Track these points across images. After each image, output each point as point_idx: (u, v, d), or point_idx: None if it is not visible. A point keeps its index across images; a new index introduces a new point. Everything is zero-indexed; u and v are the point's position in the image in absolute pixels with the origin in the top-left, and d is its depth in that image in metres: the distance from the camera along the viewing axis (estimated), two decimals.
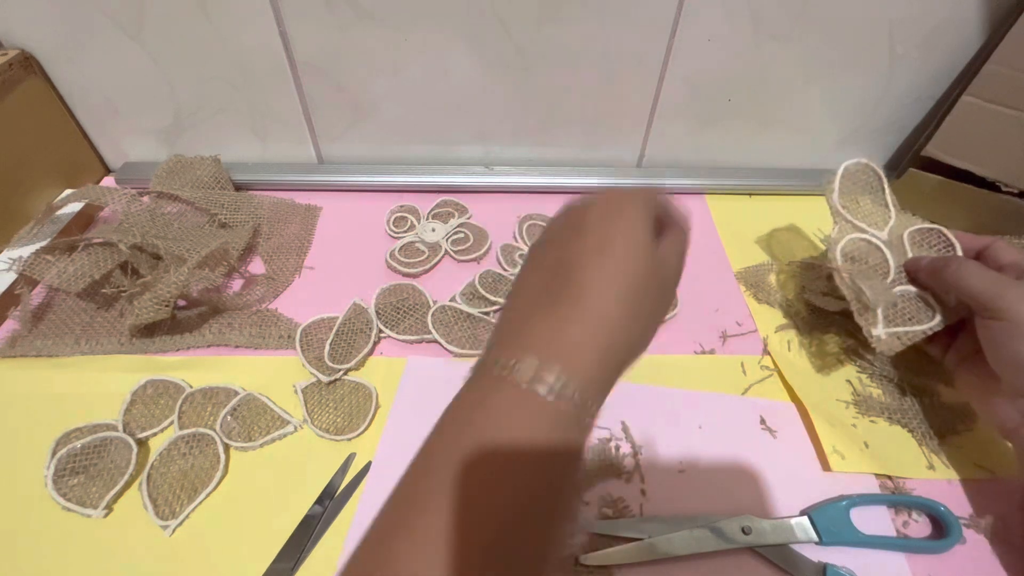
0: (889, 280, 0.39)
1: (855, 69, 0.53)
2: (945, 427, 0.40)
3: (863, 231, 0.42)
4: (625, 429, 0.40)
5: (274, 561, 0.33)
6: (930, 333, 0.37)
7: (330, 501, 0.36)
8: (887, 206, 0.43)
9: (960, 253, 0.39)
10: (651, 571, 0.33)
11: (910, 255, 0.40)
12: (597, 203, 0.26)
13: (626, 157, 0.62)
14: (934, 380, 0.43)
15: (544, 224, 0.55)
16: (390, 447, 0.38)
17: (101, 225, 0.53)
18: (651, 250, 0.25)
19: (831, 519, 0.34)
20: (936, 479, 0.37)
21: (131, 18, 0.48)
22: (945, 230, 0.41)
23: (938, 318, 0.37)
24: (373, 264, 0.51)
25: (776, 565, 0.33)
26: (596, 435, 0.39)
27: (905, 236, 0.41)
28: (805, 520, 0.34)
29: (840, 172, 0.43)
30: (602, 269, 0.23)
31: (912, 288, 0.39)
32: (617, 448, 0.39)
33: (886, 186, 0.43)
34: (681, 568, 0.33)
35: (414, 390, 0.41)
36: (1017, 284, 0.34)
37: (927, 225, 0.42)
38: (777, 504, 0.36)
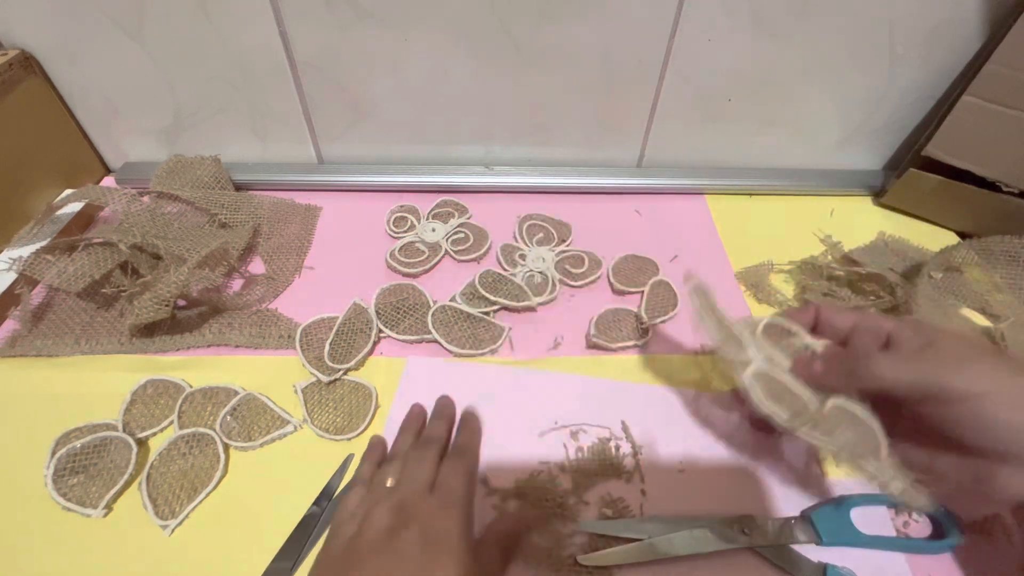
0: (814, 407, 0.31)
1: (855, 69, 0.53)
2: None
3: (748, 361, 0.33)
4: (625, 429, 0.40)
5: (273, 561, 0.33)
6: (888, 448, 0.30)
7: (328, 502, 0.36)
8: (726, 316, 0.35)
9: (803, 333, 0.34)
10: (651, 571, 0.33)
11: (778, 357, 0.33)
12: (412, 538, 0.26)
13: (626, 157, 0.62)
14: None
15: (541, 221, 0.55)
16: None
17: (101, 225, 0.53)
18: None
19: (831, 519, 0.34)
20: None
21: (131, 18, 0.48)
22: (778, 320, 0.34)
23: (878, 425, 0.30)
24: (373, 264, 0.51)
25: (777, 565, 0.33)
26: (596, 435, 0.39)
27: (760, 340, 0.34)
28: (805, 520, 0.34)
29: (699, 304, 0.36)
30: None
31: (833, 399, 0.31)
32: (617, 448, 0.39)
33: (715, 302, 0.36)
34: (681, 568, 0.33)
35: (414, 390, 0.41)
36: (939, 350, 0.29)
37: (764, 321, 0.35)
38: (777, 504, 0.36)
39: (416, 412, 0.38)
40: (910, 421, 0.30)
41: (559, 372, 0.43)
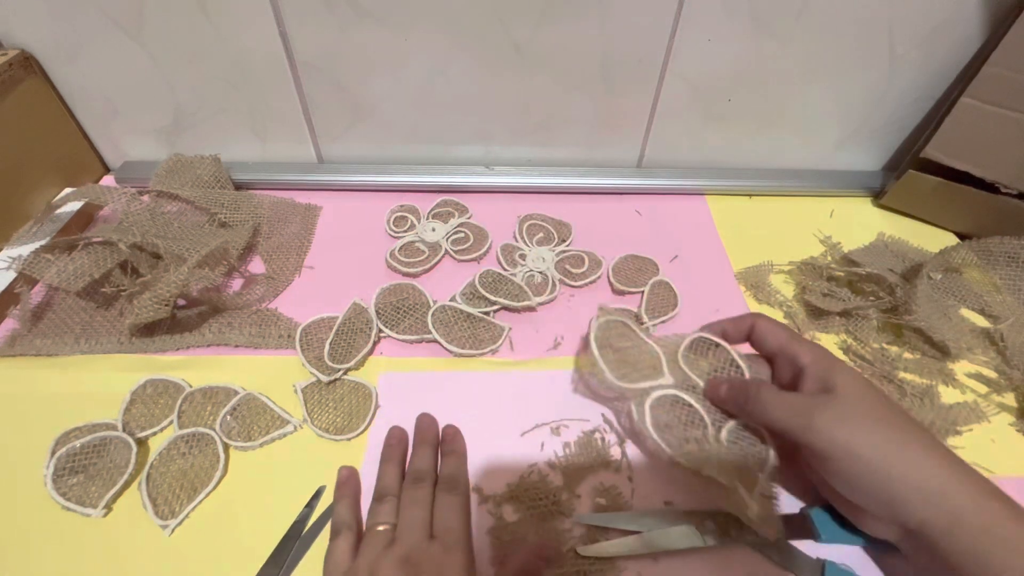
0: (710, 432, 0.34)
1: (855, 69, 0.53)
2: (945, 427, 0.40)
3: (652, 390, 0.36)
4: (608, 420, 0.40)
5: (263, 567, 0.33)
6: (774, 473, 0.33)
7: (307, 509, 0.35)
8: (645, 341, 0.38)
9: (729, 348, 0.37)
10: (649, 564, 0.33)
11: (693, 379, 0.36)
12: None
13: (626, 157, 0.62)
14: (934, 381, 0.43)
15: (541, 221, 0.55)
16: (374, 470, 0.37)
17: (101, 224, 0.53)
18: None
19: (830, 516, 0.34)
20: None
21: (131, 18, 0.48)
22: (707, 334, 0.37)
23: (771, 453, 0.33)
24: (373, 264, 0.51)
25: (775, 561, 0.33)
26: (579, 428, 0.40)
27: (681, 361, 0.37)
28: (804, 517, 0.34)
29: (595, 344, 0.37)
30: None
31: (730, 423, 0.34)
32: (603, 440, 0.39)
33: (633, 325, 0.39)
34: (679, 562, 0.33)
35: (392, 406, 0.41)
36: (824, 403, 0.30)
37: (690, 337, 0.38)
38: (777, 500, 0.36)
39: (396, 439, 0.38)
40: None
41: (532, 370, 0.43)
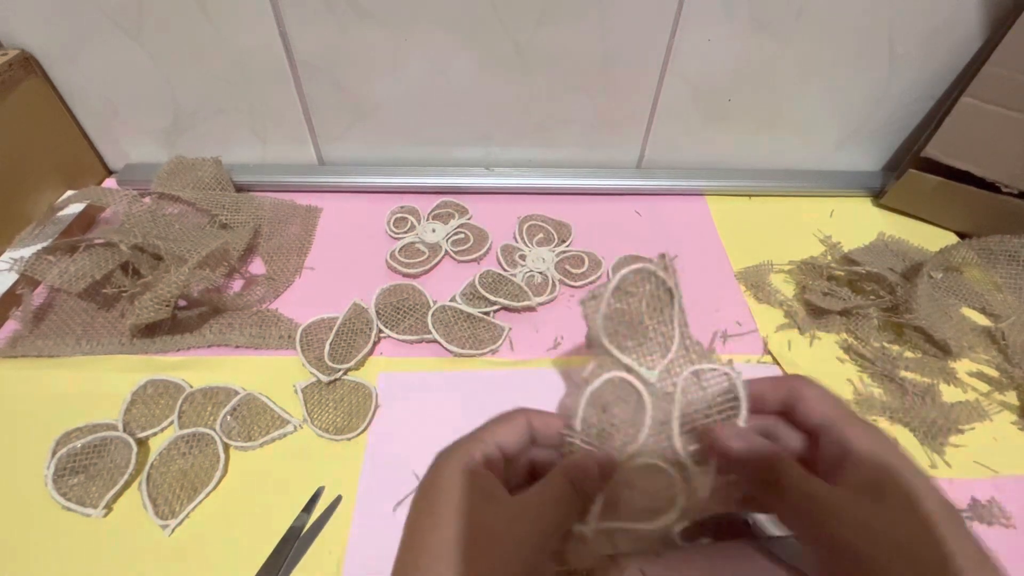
0: (639, 442, 0.28)
1: (855, 69, 0.53)
2: (947, 426, 0.40)
3: (628, 368, 0.29)
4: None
5: (261, 569, 0.33)
6: (662, 529, 0.27)
7: (316, 502, 0.36)
8: (672, 329, 0.30)
9: (744, 407, 0.27)
10: (652, 560, 0.33)
11: (677, 404, 0.29)
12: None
13: (626, 158, 0.62)
14: (936, 380, 0.43)
15: (541, 222, 0.55)
16: (373, 470, 0.37)
17: (103, 226, 0.53)
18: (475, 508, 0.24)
19: None
20: (937, 477, 0.37)
21: (131, 18, 0.48)
22: (732, 373, 0.28)
23: (674, 513, 0.27)
24: (373, 264, 0.51)
25: (777, 557, 0.33)
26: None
27: (681, 378, 0.29)
28: None
29: (613, 284, 0.30)
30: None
31: (662, 464, 0.28)
32: None
33: (677, 302, 0.31)
34: (682, 558, 0.33)
35: (392, 406, 0.41)
36: (883, 519, 0.24)
37: (713, 367, 0.29)
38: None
39: None
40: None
41: (532, 370, 0.43)
